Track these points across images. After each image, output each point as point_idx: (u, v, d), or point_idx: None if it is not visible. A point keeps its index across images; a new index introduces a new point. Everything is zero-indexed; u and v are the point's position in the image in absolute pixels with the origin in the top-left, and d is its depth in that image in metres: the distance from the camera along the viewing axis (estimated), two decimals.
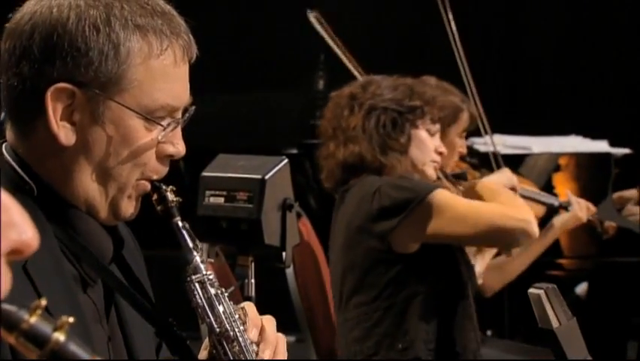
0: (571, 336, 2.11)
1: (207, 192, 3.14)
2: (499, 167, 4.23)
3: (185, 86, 1.81)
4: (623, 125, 6.10)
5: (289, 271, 3.85)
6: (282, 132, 6.31)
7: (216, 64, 6.16)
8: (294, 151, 5.73)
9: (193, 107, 1.84)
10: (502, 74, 7.17)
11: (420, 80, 3.72)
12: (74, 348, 1.11)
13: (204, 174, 3.17)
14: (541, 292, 2.08)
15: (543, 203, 4.05)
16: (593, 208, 4.14)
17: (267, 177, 3.15)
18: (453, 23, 4.16)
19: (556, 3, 6.95)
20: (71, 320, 1.11)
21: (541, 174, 4.92)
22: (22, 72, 1.73)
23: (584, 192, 4.94)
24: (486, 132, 4.26)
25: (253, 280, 3.15)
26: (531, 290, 2.11)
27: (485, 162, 4.43)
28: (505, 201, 3.46)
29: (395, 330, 3.37)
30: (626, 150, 5.31)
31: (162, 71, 1.75)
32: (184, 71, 1.80)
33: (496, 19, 7.19)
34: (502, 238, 3.41)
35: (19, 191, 1.72)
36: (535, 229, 3.35)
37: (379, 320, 3.40)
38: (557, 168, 5.16)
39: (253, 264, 3.14)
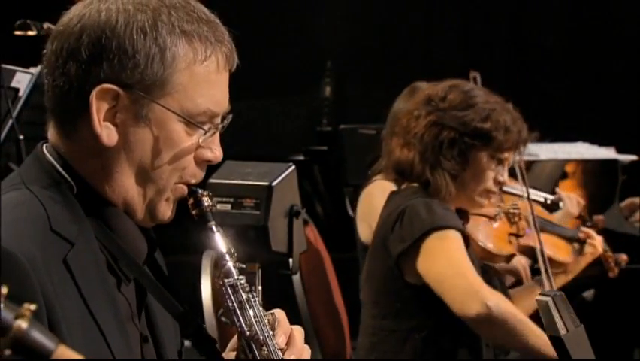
0: (578, 343, 2.11)
1: (214, 199, 3.14)
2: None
3: (226, 92, 1.84)
4: (630, 132, 6.10)
5: (296, 278, 3.85)
6: (289, 139, 6.32)
7: None
8: (301, 158, 5.73)
9: (230, 115, 1.87)
10: (508, 81, 7.17)
11: (506, 104, 3.48)
12: (37, 335, 1.11)
13: (211, 180, 3.17)
14: (548, 299, 2.08)
15: (563, 236, 3.89)
16: (582, 201, 4.13)
17: (274, 183, 3.15)
18: None
19: (564, 10, 6.95)
20: (33, 307, 1.12)
21: (548, 181, 4.91)
22: (69, 73, 1.76)
23: (591, 199, 4.94)
24: None
25: (260, 287, 3.14)
26: (539, 297, 2.11)
27: None
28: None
29: (394, 356, 3.32)
30: (633, 157, 5.31)
31: (205, 77, 1.78)
32: (225, 78, 1.83)
33: (503, 25, 7.19)
34: (457, 303, 3.16)
35: (59, 189, 1.75)
36: (497, 315, 3.10)
37: (383, 339, 3.35)
38: (564, 175, 5.16)
39: (260, 271, 3.14)
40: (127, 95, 1.74)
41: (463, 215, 3.47)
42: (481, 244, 3.55)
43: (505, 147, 3.34)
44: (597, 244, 3.79)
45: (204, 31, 1.78)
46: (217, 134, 1.84)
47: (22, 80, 3.60)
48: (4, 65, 3.49)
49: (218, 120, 1.83)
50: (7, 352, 1.10)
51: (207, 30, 1.79)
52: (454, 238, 3.22)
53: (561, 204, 4.03)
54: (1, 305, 1.10)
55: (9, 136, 3.56)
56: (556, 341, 2.07)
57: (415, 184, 3.38)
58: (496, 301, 3.16)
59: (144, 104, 1.75)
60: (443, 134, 3.30)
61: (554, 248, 3.80)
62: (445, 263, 3.20)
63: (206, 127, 1.80)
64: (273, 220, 3.13)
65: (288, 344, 1.88)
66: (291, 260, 3.25)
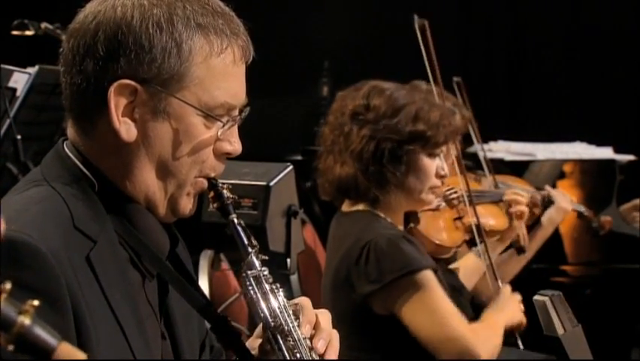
0: (576, 343, 2.11)
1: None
2: (489, 171, 4.27)
3: (243, 85, 1.84)
4: (627, 132, 6.10)
5: (294, 278, 3.85)
6: (287, 139, 6.32)
7: None
8: (299, 158, 5.73)
9: (248, 108, 1.87)
10: (507, 81, 7.17)
11: (430, 98, 3.47)
12: (40, 332, 1.11)
13: None
14: (546, 299, 2.08)
15: (496, 202, 3.96)
16: (571, 197, 4.15)
17: (271, 183, 3.15)
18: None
19: (562, 10, 6.95)
20: (36, 303, 1.12)
21: (545, 181, 4.91)
22: (86, 70, 1.76)
23: (589, 199, 4.94)
24: (478, 140, 4.32)
25: None
26: (536, 297, 2.11)
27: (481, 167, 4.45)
28: (491, 325, 3.27)
29: None
30: (630, 157, 5.32)
31: (222, 70, 1.79)
32: (242, 70, 1.83)
33: (501, 25, 7.19)
34: (445, 354, 3.17)
35: (80, 186, 1.75)
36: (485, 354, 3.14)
37: None
38: (562, 175, 5.17)
39: None
40: (145, 90, 1.75)
41: (414, 216, 3.45)
42: (437, 241, 3.54)
43: (440, 143, 3.31)
44: (522, 208, 3.76)
45: (219, 24, 1.78)
46: (235, 127, 1.85)
47: (20, 79, 3.60)
48: (1, 65, 3.49)
49: (236, 113, 1.83)
50: (10, 348, 1.11)
51: (222, 23, 1.79)
52: (429, 281, 3.16)
53: (553, 200, 4.05)
54: (4, 301, 1.10)
55: (7, 136, 3.56)
56: (553, 340, 2.07)
57: (361, 206, 3.31)
58: (482, 344, 3.16)
59: (162, 99, 1.76)
60: (381, 146, 3.25)
61: (494, 218, 3.83)
62: (429, 316, 3.15)
63: (224, 120, 1.81)
64: (270, 220, 3.13)
65: (315, 329, 1.87)
66: (288, 260, 3.25)
